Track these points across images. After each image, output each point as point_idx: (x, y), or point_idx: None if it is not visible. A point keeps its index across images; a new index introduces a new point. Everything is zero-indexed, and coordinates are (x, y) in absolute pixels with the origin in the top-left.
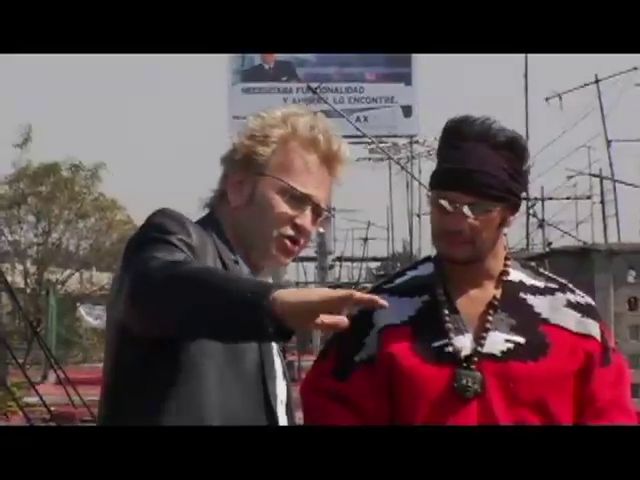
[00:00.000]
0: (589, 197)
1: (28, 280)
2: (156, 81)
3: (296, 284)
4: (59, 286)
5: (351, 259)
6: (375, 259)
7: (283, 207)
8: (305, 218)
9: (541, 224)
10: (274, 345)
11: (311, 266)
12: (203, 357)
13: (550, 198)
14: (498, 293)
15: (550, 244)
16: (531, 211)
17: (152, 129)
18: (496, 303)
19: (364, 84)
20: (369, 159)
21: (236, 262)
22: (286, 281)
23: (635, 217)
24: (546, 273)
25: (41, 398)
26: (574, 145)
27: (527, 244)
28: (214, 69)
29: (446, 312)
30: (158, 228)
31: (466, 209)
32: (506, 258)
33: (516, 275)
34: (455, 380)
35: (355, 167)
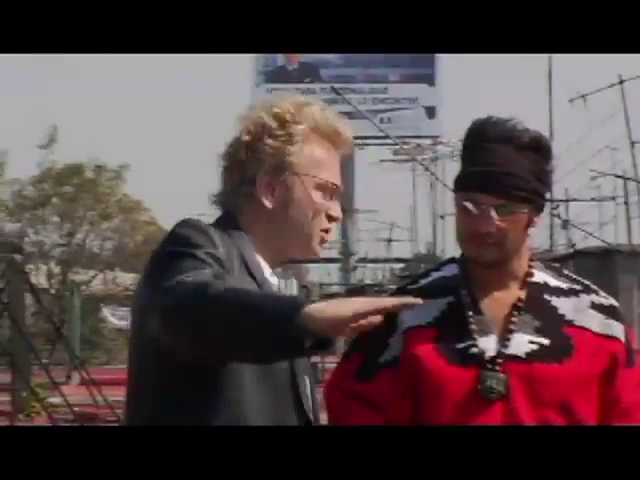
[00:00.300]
0: (613, 198)
1: (52, 281)
2: (181, 82)
3: (319, 286)
4: (83, 287)
5: (375, 260)
6: (399, 260)
7: (320, 202)
8: (337, 208)
9: (565, 225)
10: None
11: (335, 267)
12: None
13: (574, 199)
14: (522, 294)
15: (574, 245)
16: (555, 212)
17: (177, 130)
18: (520, 305)
19: (388, 85)
20: (393, 160)
21: (258, 265)
22: (310, 282)
23: None
24: (570, 274)
25: (65, 399)
26: (598, 146)
27: (551, 245)
28: (238, 70)
29: (470, 313)
30: (184, 241)
31: (493, 211)
32: (530, 259)
33: (540, 276)
34: (479, 382)
35: (378, 168)
